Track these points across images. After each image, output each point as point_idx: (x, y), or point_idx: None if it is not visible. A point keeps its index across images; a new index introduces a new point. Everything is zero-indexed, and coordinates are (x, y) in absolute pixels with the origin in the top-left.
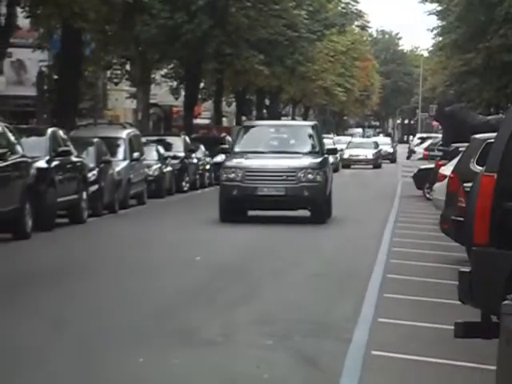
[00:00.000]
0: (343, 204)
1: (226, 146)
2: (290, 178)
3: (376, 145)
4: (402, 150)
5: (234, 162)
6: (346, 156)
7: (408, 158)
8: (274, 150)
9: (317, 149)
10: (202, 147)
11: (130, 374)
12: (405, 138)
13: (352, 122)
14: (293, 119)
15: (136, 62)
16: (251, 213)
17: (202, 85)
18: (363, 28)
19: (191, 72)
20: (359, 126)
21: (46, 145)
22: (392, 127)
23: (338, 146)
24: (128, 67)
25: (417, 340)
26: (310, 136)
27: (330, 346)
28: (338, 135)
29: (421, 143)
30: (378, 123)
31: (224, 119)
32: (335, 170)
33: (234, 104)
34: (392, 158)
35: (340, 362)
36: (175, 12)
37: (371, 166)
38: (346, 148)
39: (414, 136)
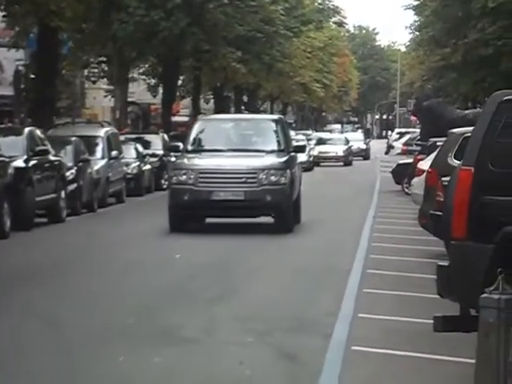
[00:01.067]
0: (320, 202)
1: (178, 144)
2: (249, 181)
3: (346, 141)
4: (380, 145)
5: (186, 161)
6: (315, 153)
7: (386, 153)
8: (232, 147)
9: (282, 146)
10: (181, 145)
11: (110, 373)
12: (383, 133)
13: (331, 118)
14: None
15: (113, 60)
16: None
17: (179, 82)
18: (340, 24)
19: (169, 69)
20: (338, 122)
21: (23, 144)
22: (370, 122)
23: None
24: (105, 65)
25: (396, 334)
26: (275, 131)
27: (310, 341)
28: (317, 131)
29: (399, 138)
30: (356, 119)
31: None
32: (308, 169)
33: (212, 101)
34: (365, 154)
35: (321, 358)
36: (152, 9)
37: (342, 164)
38: (315, 145)
39: (392, 131)
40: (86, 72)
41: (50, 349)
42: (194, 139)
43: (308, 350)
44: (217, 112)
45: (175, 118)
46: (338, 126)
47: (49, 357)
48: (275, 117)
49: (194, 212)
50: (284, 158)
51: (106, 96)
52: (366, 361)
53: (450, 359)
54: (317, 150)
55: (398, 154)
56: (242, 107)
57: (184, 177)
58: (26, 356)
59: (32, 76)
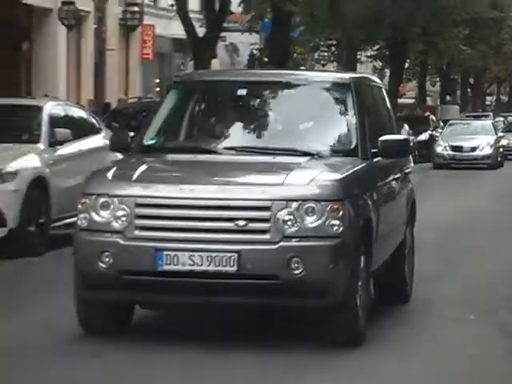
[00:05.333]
0: None
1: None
2: (251, 229)
3: None
4: None
5: (113, 177)
6: (504, 143)
7: None
8: (235, 144)
9: (351, 143)
10: (406, 126)
11: None
12: None
13: None
14: (497, 100)
15: (342, 44)
16: None
17: (406, 65)
18: None
19: (396, 52)
20: None
21: None
22: None
23: None
24: (335, 49)
25: None
26: (338, 111)
27: None
28: None
29: None
30: None
31: (428, 98)
32: (492, 167)
33: (438, 84)
34: None
35: None
36: None
37: None
38: (504, 132)
39: None
40: (316, 55)
41: None
42: (160, 123)
43: None
44: (443, 94)
45: (401, 100)
46: None
47: None
48: (341, 78)
49: (120, 296)
50: (345, 173)
51: None
52: None
53: None
54: (505, 141)
55: None
56: (468, 90)
57: (104, 214)
58: None
59: (265, 59)
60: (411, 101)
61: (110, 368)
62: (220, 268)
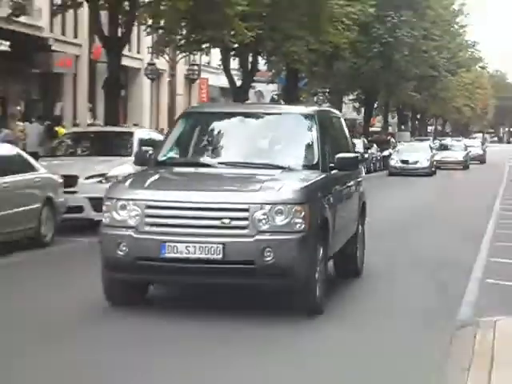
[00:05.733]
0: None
1: (147, 149)
2: (234, 225)
3: (465, 147)
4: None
5: (130, 185)
6: (437, 158)
7: None
8: (226, 160)
9: (314, 159)
10: (375, 145)
11: None
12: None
13: (475, 129)
14: (435, 129)
15: (333, 91)
16: None
17: (375, 105)
18: (483, 68)
19: (369, 96)
20: (479, 132)
21: None
22: (503, 132)
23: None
24: (328, 94)
25: None
26: (303, 135)
27: (455, 275)
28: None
29: None
30: (493, 130)
31: (390, 127)
32: (429, 174)
33: (396, 117)
34: (482, 159)
35: (463, 287)
36: (358, 58)
37: (461, 167)
38: (438, 150)
39: None
40: (315, 98)
41: None
42: (172, 143)
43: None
44: (399, 124)
45: (372, 129)
46: (480, 135)
47: None
48: (307, 110)
49: (134, 277)
50: (307, 182)
51: None
52: (497, 289)
53: None
54: (439, 156)
55: None
56: (416, 122)
57: (122, 213)
58: None
59: (282, 101)
60: (378, 129)
61: (127, 327)
62: (209, 256)
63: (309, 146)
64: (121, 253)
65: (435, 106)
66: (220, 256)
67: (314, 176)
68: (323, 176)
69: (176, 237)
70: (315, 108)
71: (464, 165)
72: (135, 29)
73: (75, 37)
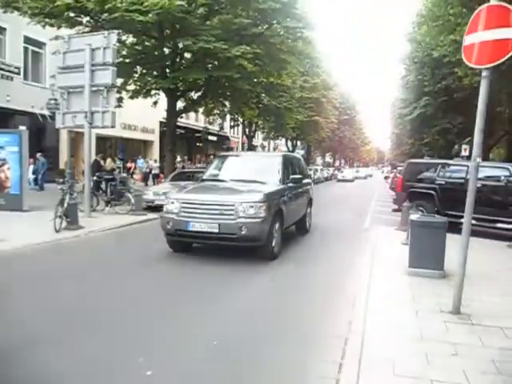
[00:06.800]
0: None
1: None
2: (226, 213)
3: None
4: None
5: (177, 192)
6: (339, 177)
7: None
8: (235, 178)
9: (278, 178)
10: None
11: None
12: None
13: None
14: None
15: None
16: None
17: (298, 143)
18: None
19: (294, 139)
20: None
21: None
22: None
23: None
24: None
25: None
26: (275, 166)
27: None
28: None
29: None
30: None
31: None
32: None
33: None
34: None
35: (364, 223)
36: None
37: (351, 181)
38: (340, 172)
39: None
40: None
41: None
42: (209, 170)
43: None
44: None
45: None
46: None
47: None
48: (277, 155)
49: (175, 239)
50: (269, 190)
51: None
52: (377, 218)
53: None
54: (340, 176)
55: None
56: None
57: (171, 206)
58: None
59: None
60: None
61: (181, 260)
62: (211, 230)
63: (276, 172)
64: (169, 227)
65: (331, 142)
66: (217, 230)
67: (276, 187)
68: (281, 187)
69: (195, 219)
70: (281, 153)
71: (352, 180)
72: None
73: None
